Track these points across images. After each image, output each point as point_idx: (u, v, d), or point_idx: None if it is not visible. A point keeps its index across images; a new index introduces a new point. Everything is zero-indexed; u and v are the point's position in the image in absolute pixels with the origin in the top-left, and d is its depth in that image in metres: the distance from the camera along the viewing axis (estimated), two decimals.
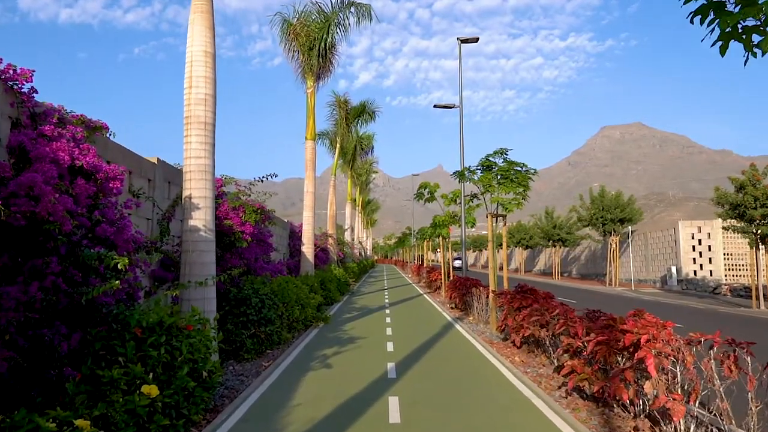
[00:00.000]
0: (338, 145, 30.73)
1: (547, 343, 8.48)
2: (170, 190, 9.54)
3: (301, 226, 19.28)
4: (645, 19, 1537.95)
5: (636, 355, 4.94)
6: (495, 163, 13.42)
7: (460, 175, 13.53)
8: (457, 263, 44.71)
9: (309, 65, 19.03)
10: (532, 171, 13.25)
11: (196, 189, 7.96)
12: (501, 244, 19.00)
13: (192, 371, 5.70)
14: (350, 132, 31.85)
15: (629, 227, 30.83)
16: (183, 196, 8.01)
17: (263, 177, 10.83)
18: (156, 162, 9.02)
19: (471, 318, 15.37)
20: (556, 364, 8.31)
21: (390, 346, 10.50)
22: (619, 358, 5.64)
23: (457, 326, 13.67)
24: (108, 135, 7.60)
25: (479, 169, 13.49)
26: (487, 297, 14.21)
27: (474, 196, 14.12)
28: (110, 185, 5.94)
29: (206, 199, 7.98)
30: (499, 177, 13.15)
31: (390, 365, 8.65)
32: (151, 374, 5.27)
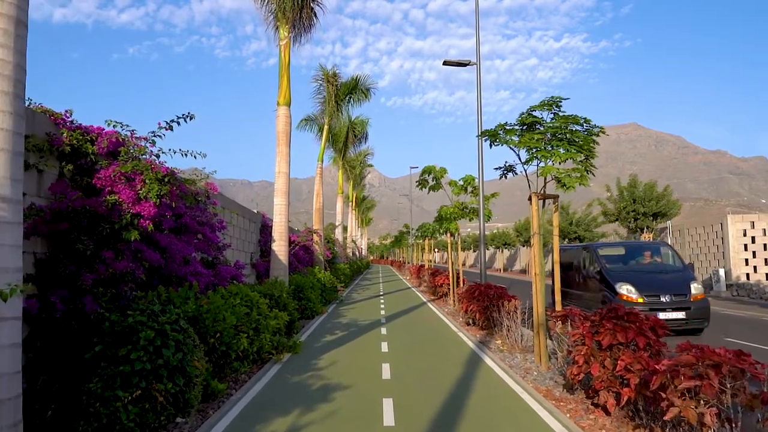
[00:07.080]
0: (326, 126, 26.39)
1: (712, 427, 4.18)
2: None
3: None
4: (638, 20, 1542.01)
5: None
6: (540, 119, 9.11)
7: (492, 136, 9.16)
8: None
9: (282, 9, 14.74)
10: (597, 129, 8.95)
11: None
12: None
13: None
14: (340, 113, 27.42)
15: (668, 222, 26.48)
16: None
17: (176, 119, 6.52)
18: None
19: (499, 341, 11.08)
20: None
21: (388, 411, 6.14)
22: None
23: (486, 358, 9.35)
24: None
25: (519, 128, 9.17)
26: (528, 315, 9.96)
27: (509, 168, 9.74)
28: None
29: None
30: (548, 138, 8.86)
31: None
32: None
